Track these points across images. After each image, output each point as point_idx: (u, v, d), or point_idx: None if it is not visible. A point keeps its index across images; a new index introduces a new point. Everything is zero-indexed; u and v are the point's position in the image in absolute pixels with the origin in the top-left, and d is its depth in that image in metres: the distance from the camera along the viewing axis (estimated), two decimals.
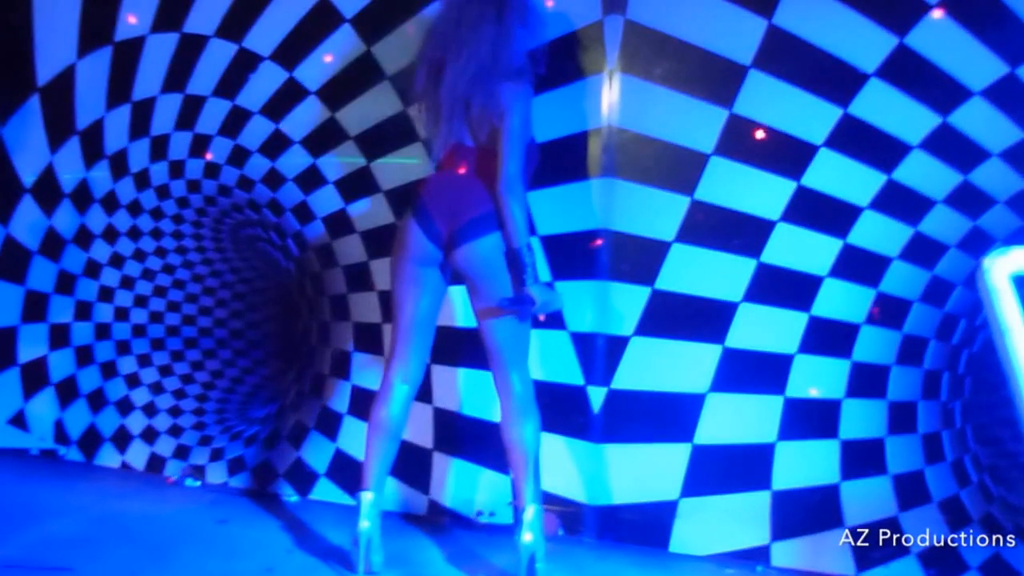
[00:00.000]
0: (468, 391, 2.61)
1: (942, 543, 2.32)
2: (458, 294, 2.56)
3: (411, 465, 2.65)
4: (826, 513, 2.38)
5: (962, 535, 2.30)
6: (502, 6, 2.10)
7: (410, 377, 2.20)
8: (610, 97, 2.40)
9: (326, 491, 2.78)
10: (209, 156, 2.90)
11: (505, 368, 2.15)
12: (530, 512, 2.08)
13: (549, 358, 2.49)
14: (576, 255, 2.47)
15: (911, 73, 2.22)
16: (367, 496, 2.13)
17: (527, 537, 2.06)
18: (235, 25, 2.75)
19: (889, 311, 2.36)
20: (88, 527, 2.39)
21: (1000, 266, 1.85)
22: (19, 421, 3.08)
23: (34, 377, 3.09)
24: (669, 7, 2.36)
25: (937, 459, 2.41)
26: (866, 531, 2.34)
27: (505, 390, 2.15)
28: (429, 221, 2.13)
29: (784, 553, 2.37)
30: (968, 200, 2.27)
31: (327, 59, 2.66)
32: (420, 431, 2.65)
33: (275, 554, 2.27)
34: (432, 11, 2.31)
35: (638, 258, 2.42)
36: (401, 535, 2.47)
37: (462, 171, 2.15)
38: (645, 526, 2.45)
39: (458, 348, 2.60)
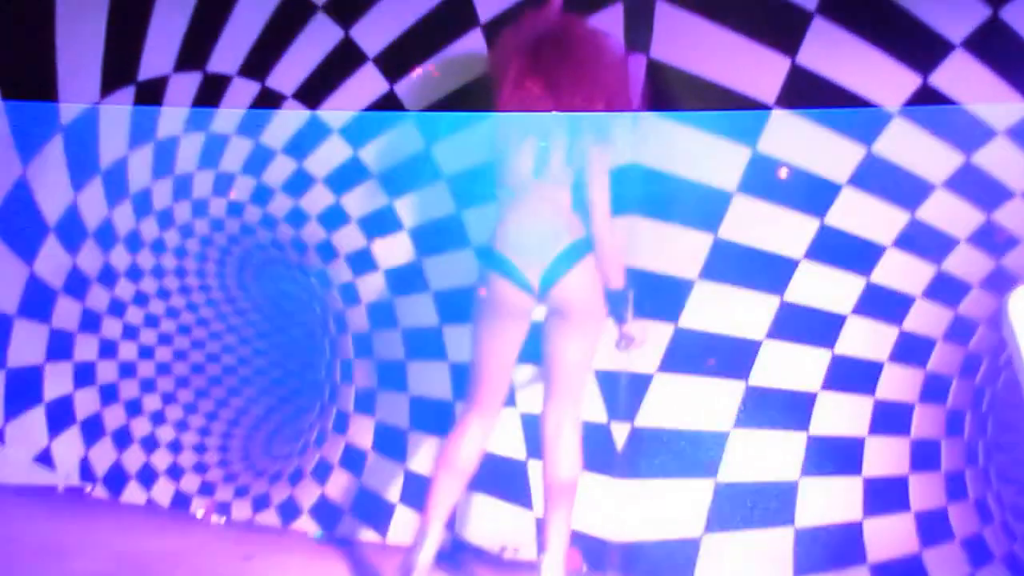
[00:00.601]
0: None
1: None
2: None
3: None
4: (849, 550, 2.39)
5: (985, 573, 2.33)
6: (595, 44, 2.11)
7: (489, 420, 2.19)
8: (635, 136, 2.41)
9: (351, 528, 2.79)
10: (233, 195, 2.93)
11: (563, 405, 2.13)
12: (554, 555, 2.04)
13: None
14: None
15: (935, 113, 2.24)
16: (430, 532, 2.09)
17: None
18: (258, 64, 2.76)
19: (912, 350, 2.38)
20: (112, 565, 2.40)
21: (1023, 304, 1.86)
22: (45, 458, 3.11)
23: (60, 415, 3.11)
24: (692, 46, 2.36)
25: (960, 497, 2.43)
26: (889, 568, 2.36)
27: (557, 429, 2.13)
28: (513, 271, 2.09)
29: None
30: (991, 239, 2.29)
31: (349, 97, 2.67)
32: None
33: None
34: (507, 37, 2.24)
35: (661, 295, 2.43)
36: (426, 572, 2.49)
37: (536, 210, 2.12)
38: (668, 563, 2.46)
39: None
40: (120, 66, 2.90)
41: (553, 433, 2.13)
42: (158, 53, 2.86)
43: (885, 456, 2.40)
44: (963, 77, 2.20)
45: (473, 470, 2.19)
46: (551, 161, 2.09)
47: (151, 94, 2.89)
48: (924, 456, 2.40)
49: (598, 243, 2.06)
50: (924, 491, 2.40)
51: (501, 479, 2.59)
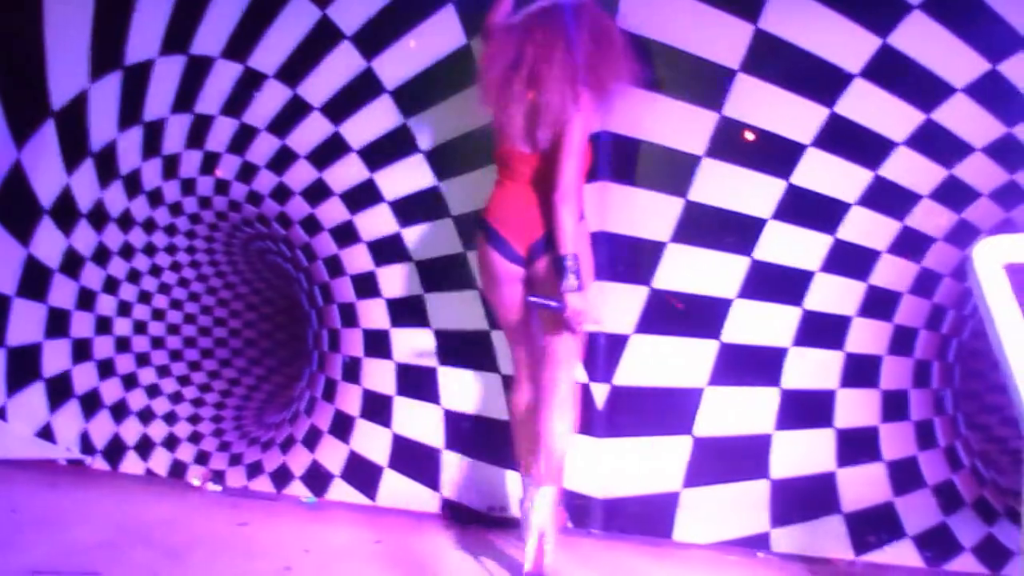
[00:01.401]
0: (475, 391, 2.70)
1: (937, 526, 2.40)
2: (465, 299, 2.65)
3: (422, 464, 2.75)
4: (823, 500, 2.45)
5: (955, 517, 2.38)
6: (577, 19, 2.16)
7: (534, 370, 2.31)
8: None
9: (341, 492, 2.87)
10: (219, 173, 2.99)
11: (557, 365, 2.22)
12: (545, 493, 2.14)
13: None
14: None
15: (895, 72, 2.29)
16: (529, 482, 2.25)
17: (538, 515, 2.12)
18: (240, 46, 2.83)
19: (879, 303, 2.44)
20: (112, 533, 2.48)
21: (988, 254, 1.92)
22: (46, 433, 3.18)
23: (59, 390, 3.18)
24: (657, 14, 2.42)
25: (930, 445, 2.47)
26: (862, 517, 2.42)
27: (552, 385, 2.21)
28: (505, 245, 2.20)
29: (783, 539, 2.45)
30: (953, 194, 2.34)
31: (329, 75, 2.74)
32: (430, 431, 2.74)
33: (293, 554, 2.34)
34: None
35: (635, 259, 2.50)
36: (415, 532, 2.57)
37: (524, 183, 2.20)
38: (649, 517, 2.53)
39: (464, 350, 2.70)
40: (108, 52, 2.97)
41: (548, 391, 2.22)
42: (144, 38, 2.93)
43: (856, 408, 2.45)
44: (922, 37, 2.25)
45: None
46: (544, 135, 2.14)
47: (138, 77, 2.97)
48: (894, 406, 2.44)
49: (553, 208, 2.09)
50: (895, 441, 2.44)
51: (486, 441, 2.67)
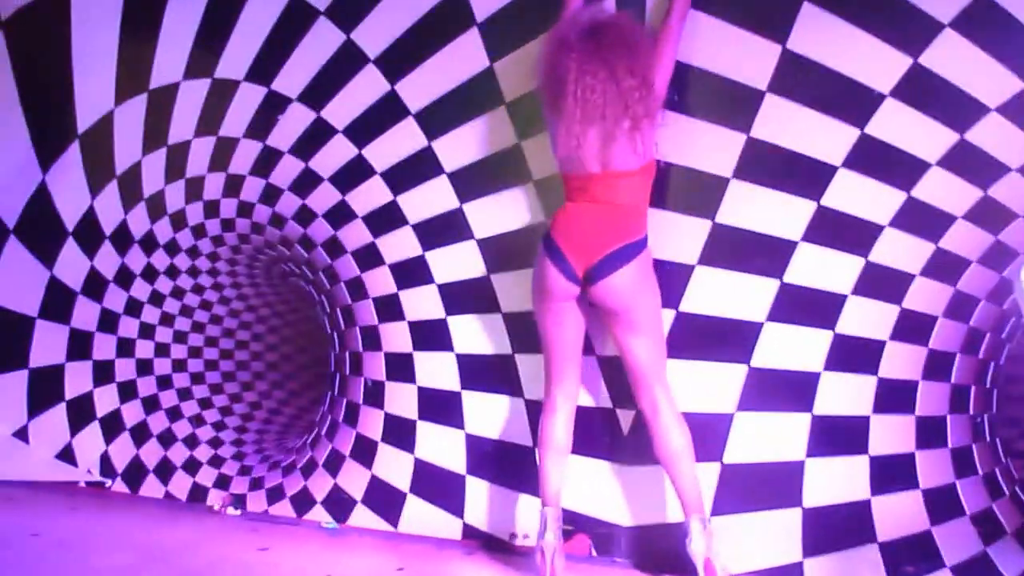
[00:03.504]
0: (499, 416, 2.67)
1: (977, 556, 2.32)
2: (488, 323, 2.62)
3: (446, 490, 2.71)
4: (858, 529, 2.38)
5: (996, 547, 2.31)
6: (635, 40, 2.16)
7: (571, 396, 2.34)
8: None
9: (363, 517, 2.84)
10: (242, 196, 3.01)
11: (651, 387, 2.25)
12: (696, 520, 2.18)
13: (584, 381, 2.53)
14: None
15: (927, 92, 2.24)
16: (550, 511, 2.24)
17: (698, 544, 2.15)
18: (264, 69, 2.85)
19: (913, 327, 2.38)
20: (133, 557, 2.45)
21: None
22: (67, 455, 3.18)
23: (80, 412, 3.19)
24: (684, 36, 2.40)
25: (968, 472, 2.41)
26: (899, 547, 2.35)
27: (653, 407, 2.25)
28: (564, 262, 2.20)
29: (816, 570, 2.38)
30: (988, 215, 2.29)
31: (353, 98, 2.74)
32: (453, 457, 2.71)
33: None
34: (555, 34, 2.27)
35: (662, 281, 2.45)
36: (437, 559, 2.52)
37: (589, 204, 2.20)
38: (679, 545, 2.48)
39: (487, 375, 2.67)
40: (133, 75, 3.00)
41: (651, 413, 2.25)
42: (169, 62, 2.95)
43: (891, 434, 2.39)
44: (954, 56, 2.21)
45: (570, 444, 2.33)
46: (610, 149, 2.15)
47: (163, 100, 2.99)
48: (930, 433, 2.38)
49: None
50: (931, 468, 2.38)
51: (510, 466, 2.63)
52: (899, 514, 2.38)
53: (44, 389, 3.18)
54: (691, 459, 2.25)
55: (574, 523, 2.52)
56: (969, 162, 2.25)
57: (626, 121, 2.12)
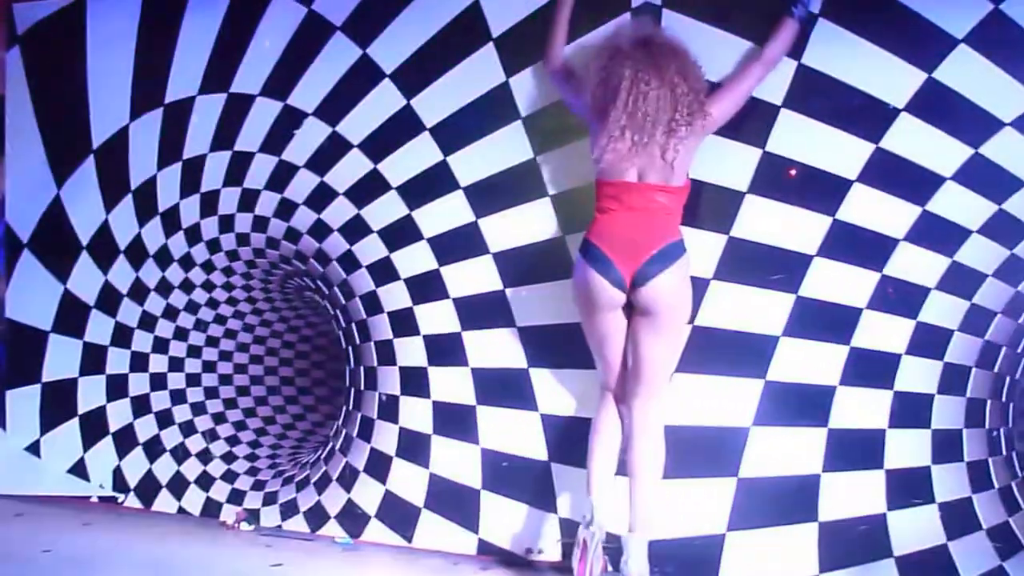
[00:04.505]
0: (514, 431, 2.66)
1: (993, 570, 2.32)
2: (504, 337, 2.63)
3: (461, 505, 2.70)
4: (874, 543, 2.37)
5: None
6: (684, 52, 2.20)
7: (623, 395, 2.34)
8: None
9: (377, 532, 2.83)
10: (257, 210, 3.01)
11: (649, 396, 2.26)
12: (637, 540, 2.16)
13: (593, 396, 2.53)
14: None
15: (941, 107, 2.25)
16: (596, 501, 2.23)
17: (635, 564, 2.13)
18: (280, 84, 2.86)
19: (929, 341, 2.39)
20: (145, 574, 2.45)
21: None
22: (80, 470, 3.17)
23: (94, 427, 3.18)
24: (697, 52, 2.41)
25: (985, 487, 2.41)
26: (915, 561, 2.35)
27: (643, 416, 2.26)
28: (609, 268, 2.20)
29: None
30: (1004, 229, 2.30)
31: (369, 113, 2.75)
32: (468, 471, 2.70)
33: None
34: (606, 43, 2.29)
35: None
36: (450, 572, 2.51)
37: (632, 211, 2.22)
38: (693, 561, 2.46)
39: (502, 390, 2.66)
40: (148, 90, 3.00)
41: (638, 421, 2.26)
42: (184, 76, 2.96)
43: (907, 448, 2.39)
44: (968, 71, 2.23)
45: (620, 443, 2.33)
46: (651, 161, 2.17)
47: (178, 115, 3.00)
48: (946, 447, 2.38)
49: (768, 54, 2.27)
50: (948, 482, 2.37)
51: (524, 481, 2.63)
52: (915, 528, 2.37)
53: (57, 403, 3.17)
54: (658, 478, 2.24)
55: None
56: (983, 176, 2.26)
57: (671, 128, 2.14)
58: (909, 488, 2.38)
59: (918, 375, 2.38)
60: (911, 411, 2.39)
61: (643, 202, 2.21)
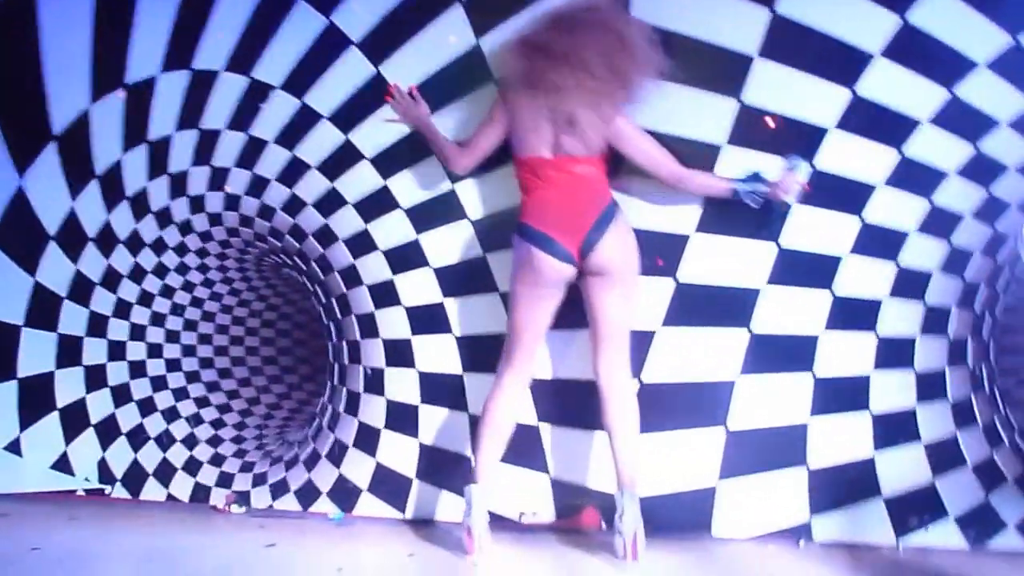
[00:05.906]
0: None
1: (979, 505, 2.37)
2: (488, 303, 2.61)
3: (452, 473, 2.69)
4: (863, 485, 2.42)
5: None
6: (618, 24, 2.19)
7: (524, 380, 2.37)
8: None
9: (370, 506, 2.82)
10: (228, 189, 2.94)
11: (615, 353, 2.28)
12: (628, 495, 2.19)
13: (581, 355, 2.52)
14: None
15: (916, 50, 2.25)
16: (477, 489, 2.26)
17: (628, 520, 2.16)
18: (244, 58, 2.76)
19: (910, 284, 2.41)
20: (139, 564, 2.40)
21: None
22: (63, 464, 3.11)
23: (74, 420, 3.12)
24: (671, 4, 2.38)
25: (968, 423, 2.45)
26: (904, 500, 2.39)
27: (610, 374, 2.29)
28: (553, 245, 2.22)
29: (825, 527, 2.42)
30: (980, 170, 2.32)
31: (337, 83, 2.68)
32: (457, 439, 2.70)
33: (326, 573, 2.26)
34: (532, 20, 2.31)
35: (660, 252, 2.46)
36: (447, 544, 2.51)
37: (559, 187, 2.24)
38: (686, 514, 2.49)
39: (487, 355, 2.62)
40: (108, 71, 2.90)
41: (607, 383, 2.28)
42: (145, 55, 2.86)
43: (892, 390, 2.42)
44: (941, 13, 2.22)
45: (513, 427, 2.35)
46: (574, 136, 2.20)
47: (141, 95, 2.91)
48: (930, 387, 2.42)
49: (686, 184, 2.31)
50: (933, 421, 2.42)
51: (515, 444, 2.62)
52: (902, 468, 2.42)
53: (35, 399, 3.09)
54: (635, 433, 2.28)
55: (584, 497, 2.53)
56: (960, 118, 2.27)
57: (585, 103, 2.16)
58: (895, 429, 2.43)
59: (901, 318, 2.42)
60: (895, 353, 2.43)
61: (565, 176, 2.24)
